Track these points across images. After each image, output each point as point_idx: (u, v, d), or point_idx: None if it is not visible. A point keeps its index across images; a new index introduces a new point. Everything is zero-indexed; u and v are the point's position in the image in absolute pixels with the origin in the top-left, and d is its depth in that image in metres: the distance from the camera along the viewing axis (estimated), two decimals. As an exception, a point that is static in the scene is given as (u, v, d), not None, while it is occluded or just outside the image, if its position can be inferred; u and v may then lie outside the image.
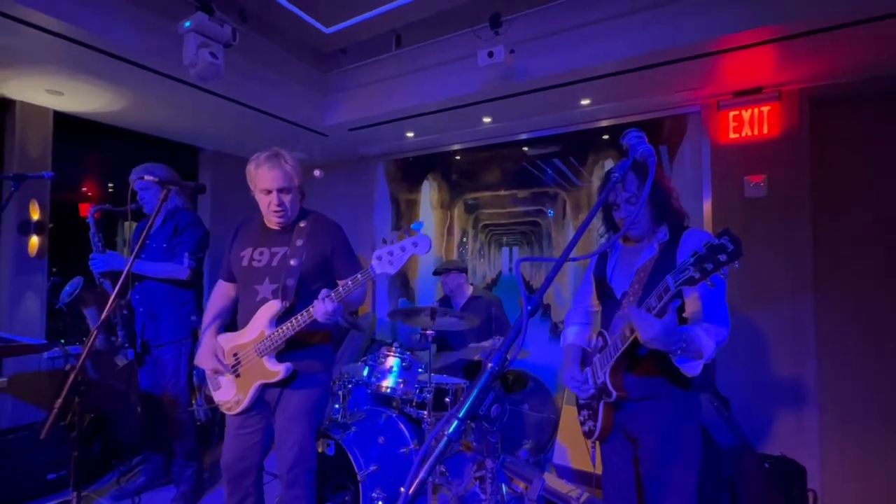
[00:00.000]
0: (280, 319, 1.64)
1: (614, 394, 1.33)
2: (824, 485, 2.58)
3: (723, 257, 1.00)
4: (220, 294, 1.89)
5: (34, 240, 2.94)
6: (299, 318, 1.59)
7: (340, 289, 1.55)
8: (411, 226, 1.53)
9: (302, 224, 1.76)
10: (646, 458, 1.39)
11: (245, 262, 1.75)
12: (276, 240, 1.76)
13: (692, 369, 1.21)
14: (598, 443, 1.53)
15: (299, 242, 1.71)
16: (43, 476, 2.51)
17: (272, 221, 1.76)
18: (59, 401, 1.34)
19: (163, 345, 2.36)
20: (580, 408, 1.55)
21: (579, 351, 1.57)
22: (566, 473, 2.65)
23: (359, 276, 1.54)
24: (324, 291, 1.55)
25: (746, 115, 2.82)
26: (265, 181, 1.68)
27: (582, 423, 1.53)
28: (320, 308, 1.53)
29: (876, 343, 2.58)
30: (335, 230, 1.81)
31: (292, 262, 1.68)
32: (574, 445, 2.72)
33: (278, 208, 1.69)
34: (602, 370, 1.37)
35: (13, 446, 2.43)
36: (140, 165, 2.35)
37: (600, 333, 1.44)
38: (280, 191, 1.68)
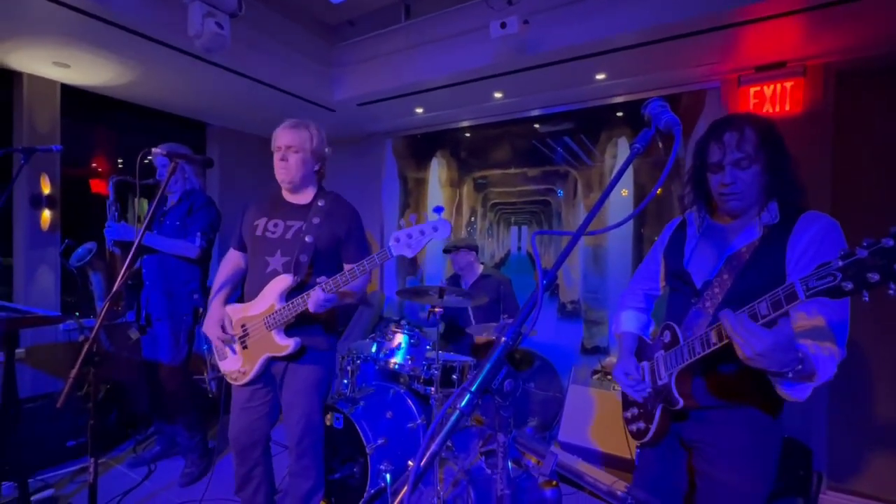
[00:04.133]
0: (291, 294, 1.65)
1: (681, 402, 1.12)
2: (830, 466, 2.58)
3: None
4: (231, 263, 1.90)
5: (46, 213, 2.96)
6: (299, 301, 1.59)
7: (337, 278, 1.55)
8: (432, 209, 1.51)
9: (320, 203, 1.75)
10: (706, 471, 1.17)
11: (259, 232, 1.76)
12: (293, 213, 1.76)
13: (798, 393, 0.96)
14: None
15: (316, 220, 1.71)
16: (63, 443, 2.61)
17: (281, 181, 1.75)
18: (75, 370, 1.37)
19: (163, 319, 2.41)
20: (628, 403, 1.34)
21: (635, 341, 1.35)
22: (571, 451, 2.68)
23: (375, 257, 1.53)
24: (316, 287, 1.55)
25: (769, 91, 2.70)
26: (278, 138, 1.71)
27: (629, 421, 1.32)
28: (314, 296, 1.54)
29: (887, 325, 2.53)
30: (352, 214, 1.81)
31: (307, 239, 1.68)
32: (579, 424, 2.75)
33: (281, 161, 1.70)
34: (667, 371, 1.16)
35: (34, 414, 2.51)
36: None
37: (668, 326, 1.20)
38: (288, 147, 1.69)
